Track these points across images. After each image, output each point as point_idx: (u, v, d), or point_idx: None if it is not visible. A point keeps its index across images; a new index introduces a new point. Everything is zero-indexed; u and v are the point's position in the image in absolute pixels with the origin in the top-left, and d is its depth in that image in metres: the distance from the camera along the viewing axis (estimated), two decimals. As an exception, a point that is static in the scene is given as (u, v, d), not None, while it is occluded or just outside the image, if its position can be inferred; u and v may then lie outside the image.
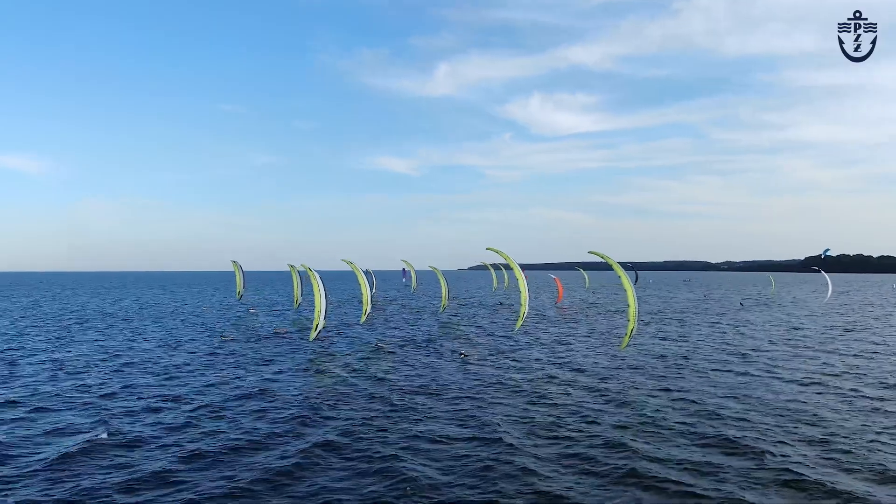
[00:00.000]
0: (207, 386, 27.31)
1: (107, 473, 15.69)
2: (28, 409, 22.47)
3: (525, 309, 41.22)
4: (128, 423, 20.42)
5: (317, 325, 39.58)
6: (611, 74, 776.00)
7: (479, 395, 25.63)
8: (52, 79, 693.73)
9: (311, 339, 40.19)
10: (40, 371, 30.64)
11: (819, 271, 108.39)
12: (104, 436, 18.57)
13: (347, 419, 21.55)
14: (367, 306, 45.68)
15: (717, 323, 58.58)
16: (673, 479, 15.48)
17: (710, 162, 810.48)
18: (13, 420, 20.87)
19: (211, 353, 37.25)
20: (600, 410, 23.08)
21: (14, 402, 23.39)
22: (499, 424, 20.70)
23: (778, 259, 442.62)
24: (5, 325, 55.15)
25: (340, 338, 44.76)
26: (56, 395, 24.98)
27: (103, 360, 34.30)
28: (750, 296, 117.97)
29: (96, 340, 43.38)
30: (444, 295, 70.69)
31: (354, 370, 31.57)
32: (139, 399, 24.30)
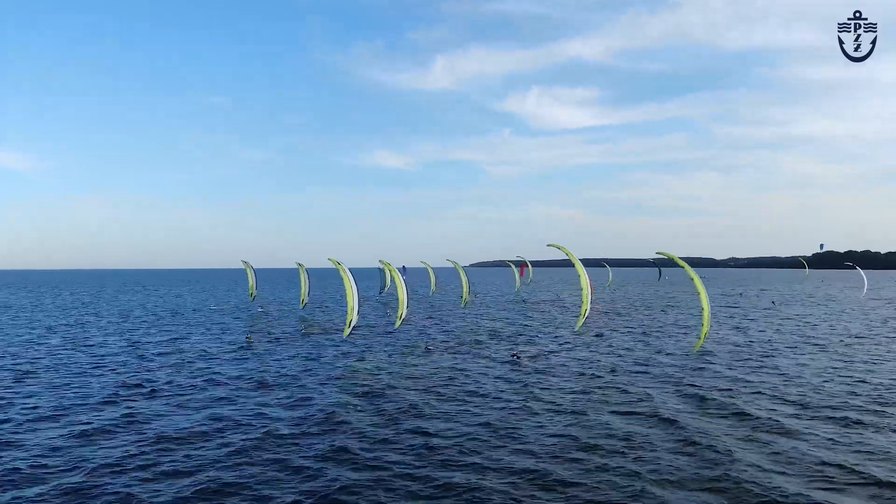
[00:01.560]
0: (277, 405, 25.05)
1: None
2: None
3: (587, 307, 39.72)
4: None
5: (350, 322, 38.27)
6: (610, 68, 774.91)
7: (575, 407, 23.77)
8: (40, 74, 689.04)
9: (344, 336, 38.96)
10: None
11: (854, 267, 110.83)
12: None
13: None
14: (403, 311, 43.45)
15: (785, 324, 56.58)
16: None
17: (710, 158, 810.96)
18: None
19: (247, 359, 35.60)
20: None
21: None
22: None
23: (782, 255, 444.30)
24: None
25: (378, 340, 43.09)
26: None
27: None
28: (775, 293, 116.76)
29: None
30: (465, 290, 69.43)
31: (421, 377, 29.84)
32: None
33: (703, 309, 33.83)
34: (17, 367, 32.37)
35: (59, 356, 36.47)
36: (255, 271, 73.38)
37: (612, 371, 31.58)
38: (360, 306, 39.07)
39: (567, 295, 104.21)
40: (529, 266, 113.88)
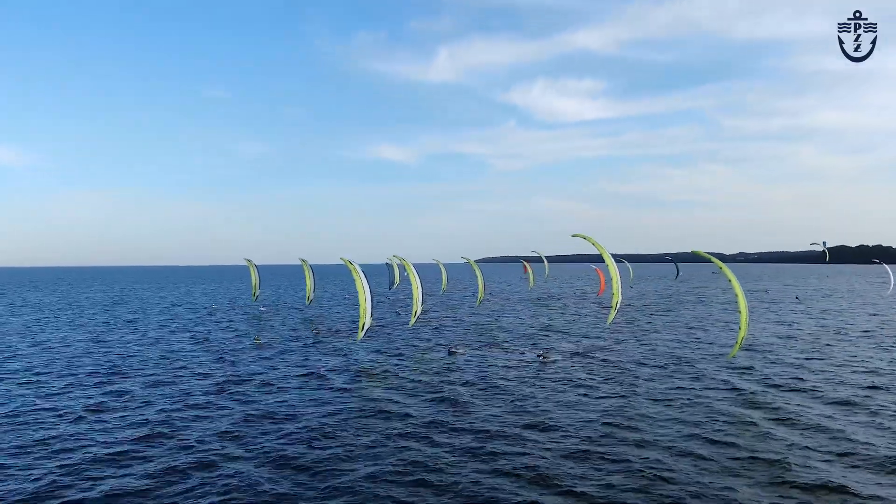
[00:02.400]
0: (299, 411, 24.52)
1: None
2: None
3: (618, 298, 38.88)
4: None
5: (363, 325, 37.22)
6: (617, 59, 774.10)
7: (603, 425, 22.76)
8: (28, 66, 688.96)
9: (358, 339, 37.89)
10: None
11: (880, 263, 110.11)
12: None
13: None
14: (418, 307, 42.62)
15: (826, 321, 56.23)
16: None
17: (718, 149, 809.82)
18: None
19: (259, 361, 34.76)
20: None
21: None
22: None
23: (792, 250, 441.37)
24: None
25: (395, 340, 42.29)
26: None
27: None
28: (793, 288, 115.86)
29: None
30: (480, 288, 68.30)
31: (446, 381, 28.98)
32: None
33: (739, 311, 32.60)
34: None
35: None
36: (258, 269, 71.80)
37: (641, 366, 31.42)
38: (373, 306, 38.13)
39: (585, 291, 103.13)
40: (529, 265, 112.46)
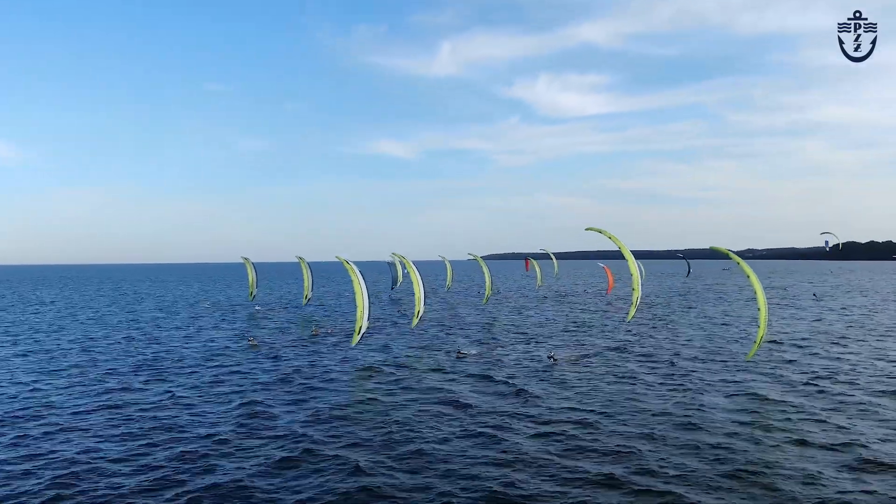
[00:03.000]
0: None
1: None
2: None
3: (639, 293, 38.27)
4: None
5: (360, 328, 36.17)
6: (621, 53, 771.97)
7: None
8: (22, 58, 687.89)
9: (353, 343, 36.68)
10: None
11: None
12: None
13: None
14: (421, 308, 41.63)
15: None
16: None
17: (723, 145, 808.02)
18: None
19: (251, 363, 33.88)
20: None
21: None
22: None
23: (800, 246, 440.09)
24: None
25: (397, 342, 41.45)
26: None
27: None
28: (808, 285, 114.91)
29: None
30: (487, 285, 67.49)
31: (450, 386, 28.08)
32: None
33: (759, 309, 31.66)
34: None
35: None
36: (255, 267, 70.67)
37: (670, 365, 31.25)
38: (370, 307, 37.12)
39: (594, 288, 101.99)
40: (536, 263, 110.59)
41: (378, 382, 29.02)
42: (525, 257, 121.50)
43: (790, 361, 33.81)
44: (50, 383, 28.90)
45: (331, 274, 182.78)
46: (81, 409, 23.93)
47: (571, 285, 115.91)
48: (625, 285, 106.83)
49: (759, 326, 31.80)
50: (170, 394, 26.54)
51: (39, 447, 19.22)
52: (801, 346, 38.82)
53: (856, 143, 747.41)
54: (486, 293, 68.53)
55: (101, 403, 24.91)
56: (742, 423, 21.50)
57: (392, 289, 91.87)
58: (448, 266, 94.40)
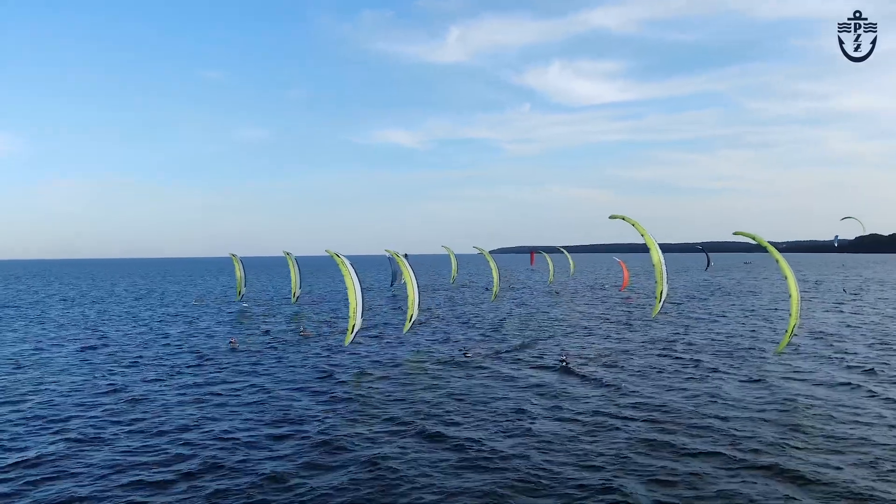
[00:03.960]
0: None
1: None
2: None
3: (662, 287, 36.80)
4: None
5: (353, 326, 34.58)
6: (635, 39, 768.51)
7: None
8: (10, 45, 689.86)
9: (346, 343, 35.14)
10: None
11: None
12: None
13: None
14: (414, 310, 39.81)
15: None
16: None
17: (740, 134, 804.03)
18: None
19: (229, 367, 32.28)
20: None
21: None
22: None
23: (822, 239, 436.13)
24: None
25: (391, 344, 39.64)
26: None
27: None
28: (839, 279, 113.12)
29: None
30: (495, 281, 65.63)
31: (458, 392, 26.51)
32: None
33: (790, 296, 29.88)
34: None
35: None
36: (245, 263, 68.76)
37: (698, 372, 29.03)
38: (364, 305, 35.41)
39: (610, 284, 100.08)
40: (548, 257, 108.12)
41: (372, 385, 27.74)
42: (531, 250, 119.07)
43: (824, 357, 32.70)
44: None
45: (333, 269, 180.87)
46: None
47: (586, 281, 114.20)
48: (641, 280, 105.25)
49: (790, 315, 30.10)
50: (140, 398, 25.37)
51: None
52: (834, 342, 37.47)
53: (878, 133, 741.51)
54: (494, 290, 66.74)
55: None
56: (772, 424, 20.75)
57: (392, 285, 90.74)
58: (453, 258, 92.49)
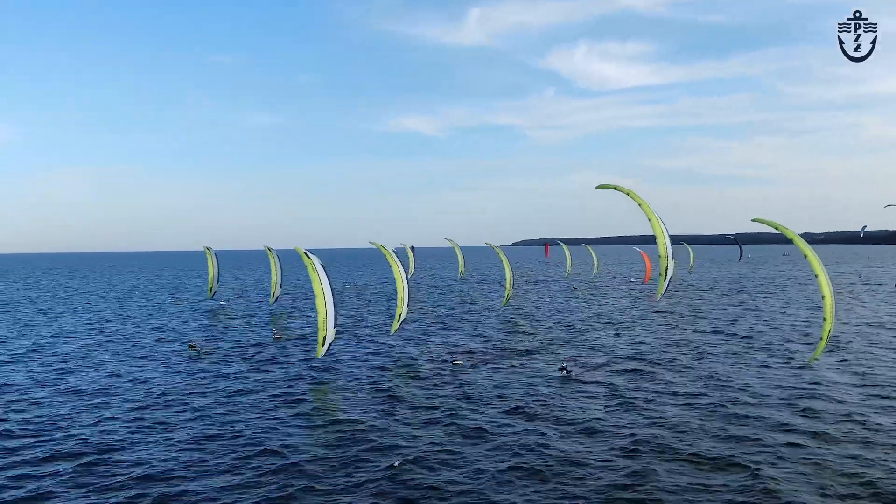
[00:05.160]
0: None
1: None
2: None
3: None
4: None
5: (323, 338, 31.38)
6: (666, 20, 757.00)
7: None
8: (8, 28, 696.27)
9: (318, 356, 32.15)
10: None
11: None
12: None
13: None
14: (403, 310, 37.14)
15: None
16: None
17: (776, 120, 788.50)
18: None
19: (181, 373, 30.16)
20: None
21: None
22: None
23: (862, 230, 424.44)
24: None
25: (387, 348, 37.54)
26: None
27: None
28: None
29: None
30: (508, 283, 61.64)
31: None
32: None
33: (823, 297, 26.67)
34: None
35: None
36: (219, 258, 65.81)
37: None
38: (336, 309, 32.48)
39: (632, 278, 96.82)
40: (566, 249, 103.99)
41: (329, 401, 25.91)
42: (545, 242, 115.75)
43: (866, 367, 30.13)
44: None
45: (341, 263, 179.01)
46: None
47: (607, 275, 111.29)
48: (655, 271, 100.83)
49: (824, 320, 26.87)
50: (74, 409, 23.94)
51: None
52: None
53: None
54: (507, 292, 61.13)
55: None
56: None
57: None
58: (458, 252, 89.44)
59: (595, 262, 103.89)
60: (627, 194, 35.80)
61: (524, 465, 17.79)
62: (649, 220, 35.76)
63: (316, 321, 50.44)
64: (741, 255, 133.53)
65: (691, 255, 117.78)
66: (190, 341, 38.48)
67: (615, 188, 35.91)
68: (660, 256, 36.33)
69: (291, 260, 59.97)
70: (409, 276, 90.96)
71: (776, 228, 29.67)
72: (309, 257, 31.73)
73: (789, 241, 28.67)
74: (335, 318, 31.92)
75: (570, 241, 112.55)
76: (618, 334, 41.48)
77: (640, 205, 35.81)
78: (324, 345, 31.50)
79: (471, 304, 64.87)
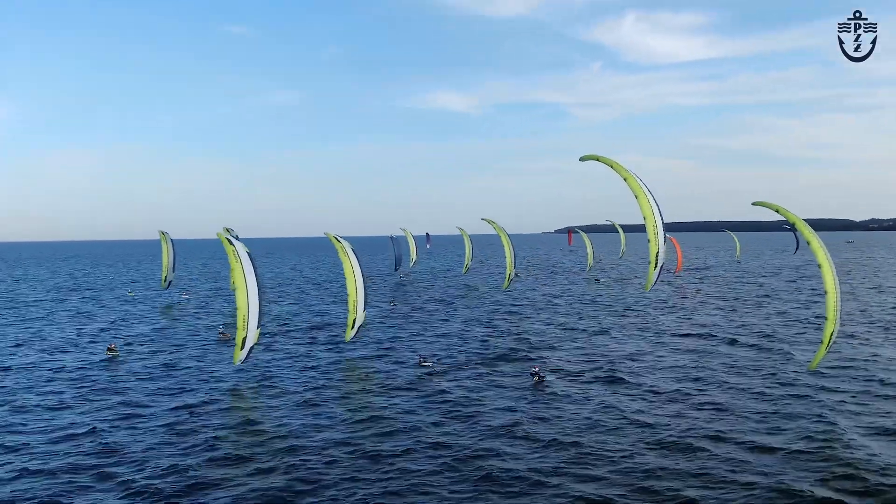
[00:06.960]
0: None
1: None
2: None
3: (657, 248, 32.00)
4: None
5: (243, 340, 29.14)
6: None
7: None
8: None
9: (235, 362, 29.99)
10: None
11: None
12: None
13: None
14: (359, 314, 34.91)
15: None
16: None
17: (843, 96, 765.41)
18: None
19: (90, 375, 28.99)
20: None
21: None
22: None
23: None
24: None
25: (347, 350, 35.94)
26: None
27: None
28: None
29: None
30: (508, 265, 59.98)
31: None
32: None
33: (826, 293, 24.00)
34: None
35: None
36: (175, 245, 63.32)
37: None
38: (262, 306, 30.14)
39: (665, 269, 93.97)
40: (587, 238, 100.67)
41: (249, 403, 25.45)
42: (569, 229, 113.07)
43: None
44: None
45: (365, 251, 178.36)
46: None
47: (633, 264, 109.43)
48: (698, 261, 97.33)
49: (826, 319, 24.02)
50: None
51: None
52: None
53: None
54: (508, 273, 61.22)
55: None
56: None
57: (396, 270, 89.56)
58: (467, 241, 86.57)
59: (622, 246, 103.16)
60: (611, 166, 33.10)
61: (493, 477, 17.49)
62: (636, 197, 32.79)
63: (277, 320, 48.83)
64: (798, 246, 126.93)
65: (738, 244, 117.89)
66: (110, 344, 36.57)
67: (598, 159, 33.21)
68: (649, 241, 33.13)
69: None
70: (410, 266, 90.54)
71: (777, 211, 27.10)
72: (232, 244, 29.38)
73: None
74: (259, 317, 29.53)
75: (625, 228, 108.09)
76: (617, 335, 40.15)
77: (625, 179, 32.91)
78: (243, 348, 29.19)
79: (458, 295, 63.38)
